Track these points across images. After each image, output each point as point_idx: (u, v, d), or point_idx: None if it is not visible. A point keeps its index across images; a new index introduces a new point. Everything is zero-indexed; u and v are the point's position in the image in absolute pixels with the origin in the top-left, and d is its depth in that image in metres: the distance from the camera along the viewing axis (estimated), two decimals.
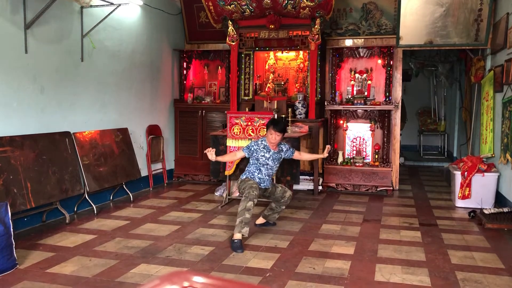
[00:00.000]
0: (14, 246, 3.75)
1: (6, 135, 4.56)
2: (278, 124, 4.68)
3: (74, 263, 3.91)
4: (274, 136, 4.63)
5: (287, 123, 6.45)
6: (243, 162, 6.00)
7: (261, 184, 4.75)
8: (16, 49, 4.73)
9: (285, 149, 4.90)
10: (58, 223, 5.08)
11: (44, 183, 4.83)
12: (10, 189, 4.41)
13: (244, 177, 4.80)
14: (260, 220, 5.11)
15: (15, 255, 3.76)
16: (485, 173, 5.79)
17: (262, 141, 4.77)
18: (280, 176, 5.97)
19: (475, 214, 5.46)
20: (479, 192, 5.81)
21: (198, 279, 0.66)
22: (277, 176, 5.94)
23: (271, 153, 4.73)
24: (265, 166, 4.73)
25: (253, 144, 4.77)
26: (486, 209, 5.40)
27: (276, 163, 4.81)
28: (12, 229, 3.76)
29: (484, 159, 6.11)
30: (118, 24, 6.35)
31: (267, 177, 4.78)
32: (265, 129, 5.73)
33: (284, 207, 5.01)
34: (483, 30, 6.46)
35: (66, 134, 5.35)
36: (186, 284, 0.65)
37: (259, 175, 4.73)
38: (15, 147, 4.59)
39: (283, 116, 6.54)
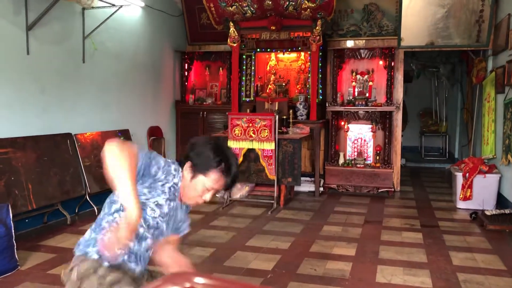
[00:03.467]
0: (15, 247, 3.76)
1: (8, 136, 4.57)
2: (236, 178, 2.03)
3: None
4: (214, 192, 2.00)
5: (288, 124, 6.45)
6: (244, 164, 5.99)
7: (131, 266, 1.94)
8: (18, 50, 4.74)
9: (186, 217, 2.31)
10: (60, 225, 5.08)
11: (45, 185, 4.83)
12: (12, 191, 4.41)
13: (81, 252, 1.96)
14: None
15: (16, 256, 3.76)
16: (487, 175, 5.78)
17: (175, 174, 1.99)
18: (281, 177, 5.96)
19: (476, 216, 5.45)
20: (480, 193, 5.80)
21: (199, 280, 0.66)
22: (278, 177, 5.92)
23: (174, 205, 2.05)
24: (152, 229, 1.98)
25: (159, 162, 1.94)
26: (487, 210, 5.39)
27: (169, 226, 2.09)
28: (13, 231, 3.77)
29: (486, 161, 6.09)
30: (120, 26, 6.35)
31: (146, 253, 2.01)
32: (266, 130, 5.75)
33: None
34: (484, 31, 6.46)
35: (68, 135, 5.35)
36: (187, 285, 0.65)
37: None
38: (16, 149, 4.60)
39: (284, 117, 6.53)
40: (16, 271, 3.70)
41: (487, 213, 5.29)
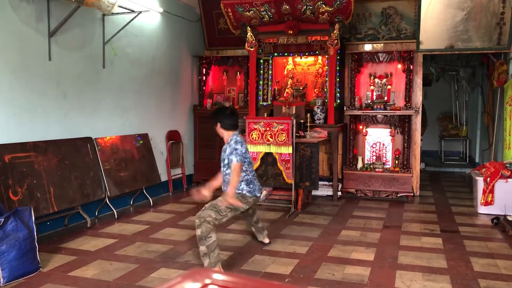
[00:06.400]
0: (37, 249, 3.83)
1: (30, 140, 4.67)
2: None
3: (95, 266, 3.96)
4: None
5: (306, 128, 6.44)
6: (262, 168, 6.00)
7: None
8: (40, 56, 4.84)
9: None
10: (80, 227, 5.16)
11: (66, 188, 4.92)
12: (34, 194, 4.50)
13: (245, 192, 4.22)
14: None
15: (38, 258, 3.83)
16: (509, 179, 5.68)
17: (240, 137, 4.25)
18: (298, 182, 5.95)
19: (498, 221, 5.35)
20: (502, 198, 5.69)
21: (219, 276, 0.67)
22: (295, 181, 5.92)
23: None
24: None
25: (243, 145, 4.18)
26: (510, 215, 5.29)
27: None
28: (35, 233, 3.84)
29: (508, 165, 5.98)
30: (139, 31, 6.44)
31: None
32: (283, 134, 5.75)
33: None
34: (506, 33, 6.36)
35: (88, 139, 5.44)
36: (208, 281, 0.66)
37: (256, 182, 4.39)
38: (38, 153, 4.69)
39: (302, 121, 6.52)
40: (38, 273, 3.77)
41: (509, 218, 5.19)
